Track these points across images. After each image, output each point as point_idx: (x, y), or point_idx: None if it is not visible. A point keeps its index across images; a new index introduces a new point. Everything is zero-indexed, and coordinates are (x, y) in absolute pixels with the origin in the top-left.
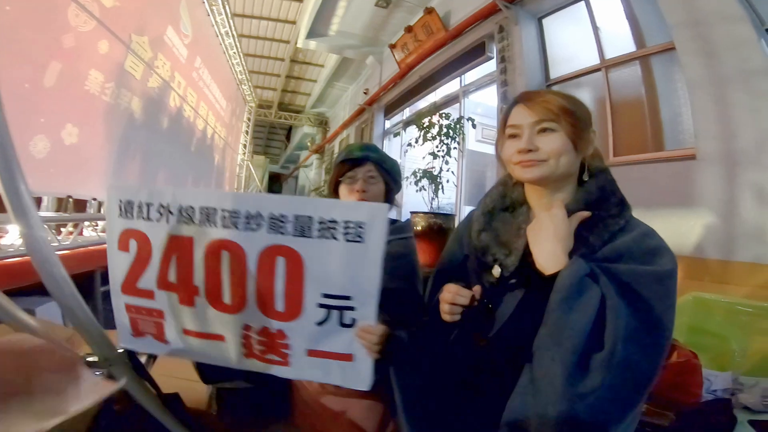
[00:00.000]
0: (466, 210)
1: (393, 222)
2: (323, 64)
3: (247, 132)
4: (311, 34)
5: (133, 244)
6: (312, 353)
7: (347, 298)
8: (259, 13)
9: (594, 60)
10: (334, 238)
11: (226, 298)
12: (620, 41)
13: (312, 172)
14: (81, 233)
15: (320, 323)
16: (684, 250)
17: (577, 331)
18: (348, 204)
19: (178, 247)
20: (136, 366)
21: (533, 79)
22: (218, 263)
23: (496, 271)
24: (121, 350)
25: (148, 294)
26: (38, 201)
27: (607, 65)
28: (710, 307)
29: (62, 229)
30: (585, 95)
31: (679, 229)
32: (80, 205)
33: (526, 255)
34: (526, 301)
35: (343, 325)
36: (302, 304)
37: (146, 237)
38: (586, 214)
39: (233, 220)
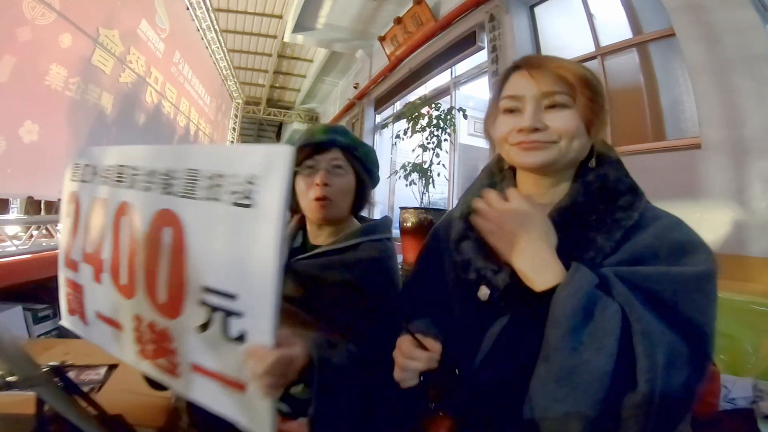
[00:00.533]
0: None
1: (365, 221)
2: (312, 59)
3: (234, 129)
4: (298, 27)
5: (71, 209)
6: (197, 369)
7: (231, 296)
8: (244, 8)
9: (589, 48)
10: (217, 199)
11: (123, 277)
12: (616, 28)
13: None
14: (52, 236)
15: (202, 328)
16: None
17: (595, 374)
18: (238, 149)
19: (95, 213)
20: (67, 385)
21: None
22: (118, 233)
23: (483, 293)
24: (45, 368)
25: (75, 266)
26: (4, 204)
27: (602, 53)
28: (721, 306)
29: (33, 233)
30: None
31: (684, 221)
32: (50, 206)
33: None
34: (513, 330)
35: (229, 338)
36: (183, 297)
37: (79, 201)
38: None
39: (133, 177)
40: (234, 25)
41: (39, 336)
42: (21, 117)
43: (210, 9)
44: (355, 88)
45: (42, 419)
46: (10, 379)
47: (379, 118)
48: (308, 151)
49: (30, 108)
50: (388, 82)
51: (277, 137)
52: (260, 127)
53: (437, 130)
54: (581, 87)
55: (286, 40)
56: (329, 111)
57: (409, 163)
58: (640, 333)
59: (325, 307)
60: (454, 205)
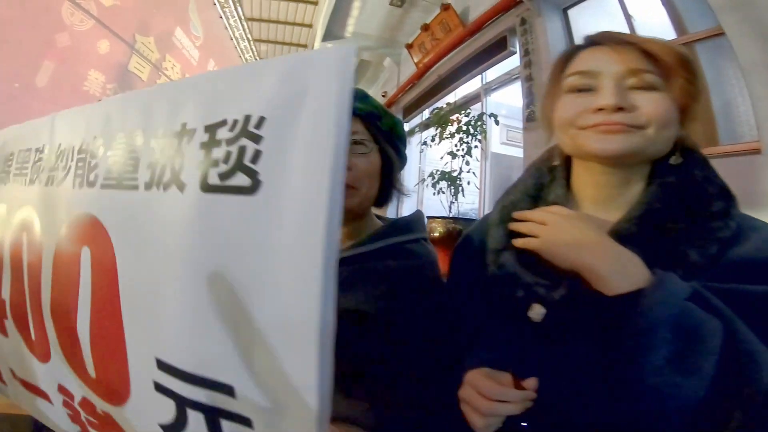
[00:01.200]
0: None
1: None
2: None
3: None
4: (327, 36)
5: None
6: None
7: (216, 386)
8: (275, 17)
9: None
10: (179, 184)
11: (32, 329)
12: (658, 29)
13: None
14: None
15: (170, 429)
16: None
17: (686, 401)
18: (231, 71)
19: None
20: None
21: None
22: (20, 259)
23: (537, 313)
24: None
25: None
26: None
27: None
28: None
29: None
30: None
31: None
32: None
33: (578, 283)
34: (575, 355)
35: None
36: (125, 372)
37: None
38: None
39: (38, 164)
40: (267, 35)
41: None
42: None
43: (243, 18)
44: (383, 96)
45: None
46: None
47: (407, 127)
48: None
49: None
50: (417, 89)
51: None
52: None
53: (467, 137)
54: (678, 66)
55: (316, 48)
56: None
57: (437, 171)
58: (746, 356)
59: (355, 339)
60: (486, 212)
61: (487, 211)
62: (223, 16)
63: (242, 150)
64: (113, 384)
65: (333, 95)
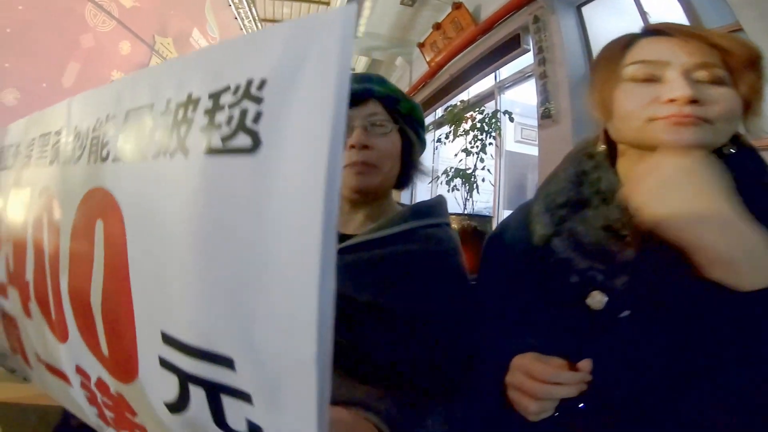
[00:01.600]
0: (505, 214)
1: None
2: (354, 68)
3: None
4: None
5: None
6: None
7: (217, 359)
8: (289, 17)
9: None
10: (183, 150)
11: (52, 309)
12: None
13: None
14: None
15: (174, 408)
16: None
17: None
18: (234, 41)
19: (13, 213)
20: None
21: (576, 70)
22: (42, 239)
23: (598, 300)
24: None
25: (4, 291)
26: None
27: None
28: None
29: None
30: None
31: None
32: None
33: (643, 269)
34: (638, 344)
35: (224, 428)
36: (134, 348)
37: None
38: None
39: (56, 146)
40: None
41: None
42: None
43: (257, 19)
44: None
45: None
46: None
47: None
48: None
49: None
50: (429, 88)
51: None
52: None
53: (481, 134)
54: (748, 62)
55: None
56: None
57: (451, 168)
58: None
59: (375, 330)
60: (501, 214)
61: (502, 209)
62: (237, 17)
63: (244, 112)
64: (123, 361)
65: (334, 56)
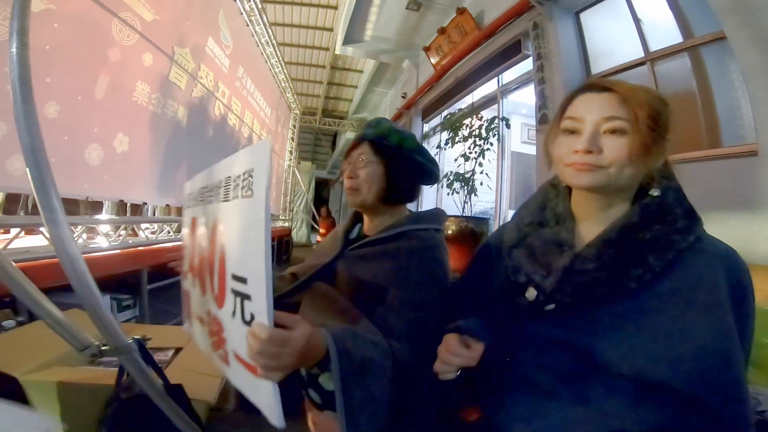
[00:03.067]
0: (510, 214)
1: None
2: (362, 70)
3: (292, 139)
4: (347, 40)
5: (185, 232)
6: (237, 357)
7: (243, 280)
8: (297, 21)
9: (637, 53)
10: (236, 196)
11: (199, 279)
12: (665, 32)
13: None
14: (135, 234)
15: (233, 315)
16: (747, 257)
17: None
18: (240, 153)
19: (190, 231)
20: (144, 357)
21: (572, 75)
22: (194, 243)
23: (531, 293)
24: (131, 340)
25: (185, 276)
26: (99, 205)
27: (652, 58)
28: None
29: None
30: None
31: (739, 232)
32: (136, 208)
33: (569, 275)
34: (552, 329)
35: (245, 322)
36: (224, 286)
37: (188, 224)
38: None
39: (201, 194)
40: (290, 39)
41: (123, 321)
42: (115, 130)
43: (267, 24)
44: (402, 97)
45: (120, 385)
46: (104, 348)
47: (426, 127)
48: (350, 150)
49: (121, 122)
50: (435, 91)
51: (332, 147)
52: (316, 137)
53: (480, 140)
54: (644, 115)
55: (337, 52)
56: None
57: (451, 172)
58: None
59: (367, 297)
60: (504, 215)
61: (504, 209)
62: (249, 24)
63: (248, 182)
64: (221, 294)
65: (264, 161)
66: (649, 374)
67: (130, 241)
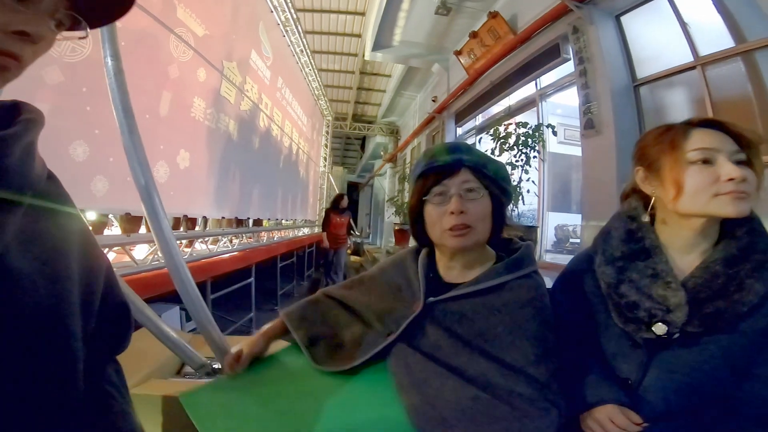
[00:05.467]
0: (551, 217)
1: (507, 246)
2: (390, 74)
3: (326, 145)
4: (377, 45)
5: None
6: None
7: None
8: (327, 29)
9: (686, 57)
10: None
11: None
12: (714, 36)
13: (386, 181)
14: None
15: None
16: None
17: None
18: None
19: None
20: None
21: (618, 79)
22: None
23: (660, 328)
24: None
25: None
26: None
27: (703, 62)
28: None
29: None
30: (680, 95)
31: None
32: (191, 222)
33: (695, 307)
34: (688, 358)
35: None
36: None
37: None
38: None
39: None
40: (320, 46)
41: (189, 331)
42: (178, 146)
43: (302, 33)
44: (433, 101)
45: None
46: (215, 366)
47: (460, 131)
48: (434, 177)
49: (183, 138)
50: (469, 95)
51: (362, 149)
52: (346, 141)
53: (525, 148)
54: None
55: (366, 58)
56: (409, 124)
57: None
58: None
59: (465, 356)
60: (546, 219)
61: (545, 212)
62: (285, 34)
63: None
64: None
65: None
66: None
67: (194, 254)
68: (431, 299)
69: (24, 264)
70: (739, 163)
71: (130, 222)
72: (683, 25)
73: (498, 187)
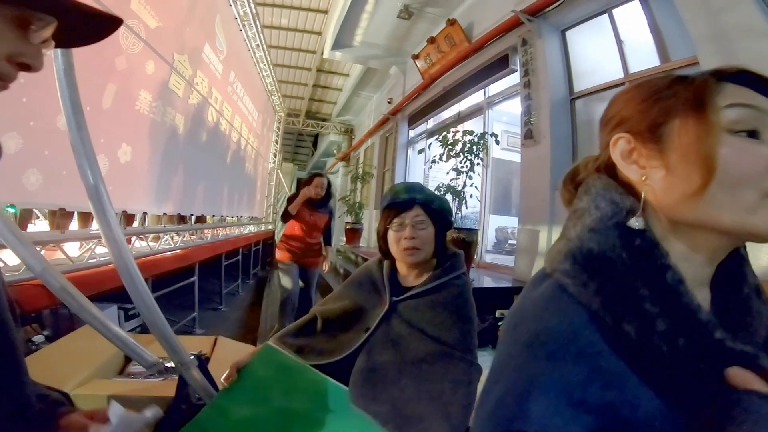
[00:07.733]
0: (492, 219)
1: (446, 254)
2: (348, 74)
3: (277, 141)
4: (337, 45)
5: None
6: None
7: None
8: (287, 24)
9: (618, 73)
10: None
11: None
12: (644, 54)
13: (338, 179)
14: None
15: None
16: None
17: None
18: None
19: None
20: (203, 370)
21: (557, 92)
22: None
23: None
24: (192, 356)
25: None
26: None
27: (630, 80)
28: None
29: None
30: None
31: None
32: (129, 218)
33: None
34: None
35: None
36: None
37: None
38: None
39: None
40: (277, 41)
41: (128, 331)
42: (119, 140)
43: (260, 28)
44: (389, 102)
45: (179, 397)
46: (168, 364)
47: (412, 133)
48: (396, 210)
49: (125, 131)
50: (422, 99)
51: (314, 147)
52: (298, 137)
53: (470, 155)
54: None
55: (325, 56)
56: (363, 124)
57: (443, 184)
58: None
59: (419, 340)
60: (486, 221)
61: (487, 216)
62: (242, 29)
63: None
64: None
65: None
66: None
67: (133, 252)
68: (394, 299)
69: None
70: None
71: (63, 217)
72: (619, 43)
73: (441, 218)
